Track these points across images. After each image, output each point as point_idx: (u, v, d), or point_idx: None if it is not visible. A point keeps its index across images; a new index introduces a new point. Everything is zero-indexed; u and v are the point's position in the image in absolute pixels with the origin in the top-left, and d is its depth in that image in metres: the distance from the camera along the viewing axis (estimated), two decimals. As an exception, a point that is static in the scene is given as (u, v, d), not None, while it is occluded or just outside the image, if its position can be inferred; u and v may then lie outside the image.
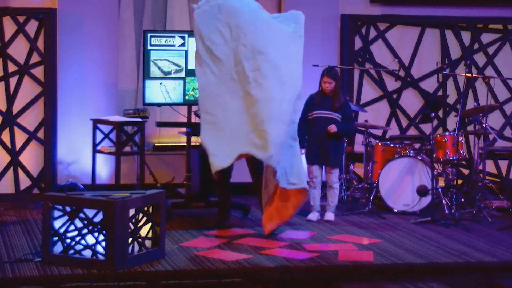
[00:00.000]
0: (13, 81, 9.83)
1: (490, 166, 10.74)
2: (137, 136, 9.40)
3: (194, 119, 9.63)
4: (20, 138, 9.87)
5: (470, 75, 9.72)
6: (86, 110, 9.84)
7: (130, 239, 6.89)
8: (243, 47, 7.96)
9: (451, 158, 9.26)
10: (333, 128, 8.71)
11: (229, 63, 8.00)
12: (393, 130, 10.74)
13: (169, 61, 9.40)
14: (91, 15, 9.91)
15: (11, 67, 9.81)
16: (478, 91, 10.85)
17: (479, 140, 9.67)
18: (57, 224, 6.92)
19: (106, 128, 9.56)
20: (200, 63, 8.06)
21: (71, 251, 6.90)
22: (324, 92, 8.80)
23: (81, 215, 6.86)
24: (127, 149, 9.51)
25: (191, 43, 9.44)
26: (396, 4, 10.73)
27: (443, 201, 9.29)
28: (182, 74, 9.44)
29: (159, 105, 9.55)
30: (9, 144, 9.84)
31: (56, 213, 6.92)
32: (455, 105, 10.83)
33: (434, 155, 9.30)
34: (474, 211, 9.25)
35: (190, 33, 9.62)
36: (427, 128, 10.33)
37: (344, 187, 9.95)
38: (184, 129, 9.59)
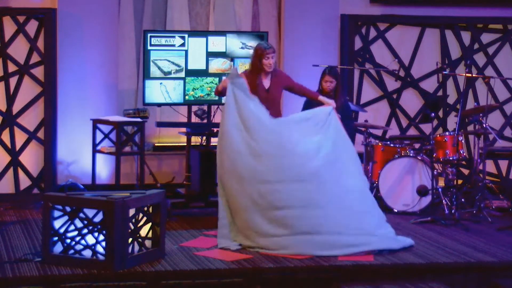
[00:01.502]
0: (13, 81, 9.82)
1: (490, 166, 10.74)
2: (137, 136, 9.40)
3: (194, 119, 9.65)
4: (20, 138, 9.86)
5: (470, 75, 9.72)
6: (86, 110, 9.84)
7: (130, 239, 6.89)
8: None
9: (451, 158, 9.26)
10: None
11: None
12: (393, 130, 10.74)
13: (169, 61, 9.41)
14: (91, 15, 9.91)
15: (11, 67, 9.81)
16: (478, 91, 10.85)
17: (479, 140, 9.68)
18: (57, 224, 6.92)
19: (106, 128, 9.56)
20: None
21: (71, 251, 6.90)
22: (324, 92, 8.78)
23: (81, 215, 6.86)
24: (127, 149, 9.51)
25: (191, 43, 9.46)
26: (396, 4, 10.73)
27: (443, 201, 9.29)
28: (182, 74, 9.45)
29: (159, 105, 9.55)
30: (9, 144, 9.83)
31: (56, 213, 6.92)
32: (455, 105, 10.83)
33: (434, 155, 9.30)
34: (474, 211, 9.25)
35: (190, 33, 9.63)
36: (427, 128, 10.33)
37: (344, 187, 9.94)
38: (184, 129, 9.60)
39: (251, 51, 9.56)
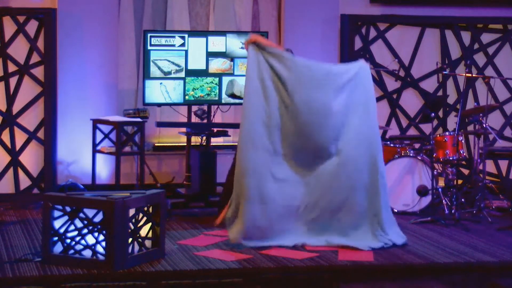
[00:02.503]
0: (13, 81, 9.82)
1: (490, 166, 10.74)
2: (137, 136, 9.40)
3: (194, 119, 9.65)
4: (20, 138, 9.86)
5: (470, 75, 9.72)
6: (86, 110, 9.84)
7: (130, 239, 6.89)
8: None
9: (451, 158, 9.26)
10: None
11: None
12: (393, 130, 10.74)
13: (169, 61, 9.41)
14: (91, 15, 9.91)
15: (11, 67, 9.81)
16: (478, 91, 10.85)
17: (479, 140, 9.67)
18: (57, 224, 6.92)
19: (106, 128, 9.56)
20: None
21: (71, 251, 6.90)
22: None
23: (81, 215, 6.86)
24: (127, 149, 9.51)
25: (191, 43, 9.46)
26: (396, 4, 10.73)
27: (443, 201, 9.29)
28: (182, 74, 9.45)
29: (159, 105, 9.56)
30: (9, 144, 9.83)
31: (56, 213, 6.92)
32: (455, 105, 10.83)
33: (434, 155, 9.30)
34: (474, 211, 9.25)
35: (190, 33, 9.63)
36: (427, 128, 10.33)
37: (344, 187, 9.92)
38: (184, 129, 9.60)
39: (251, 51, 9.57)
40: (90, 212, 6.85)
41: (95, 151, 9.52)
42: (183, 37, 9.45)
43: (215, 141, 10.03)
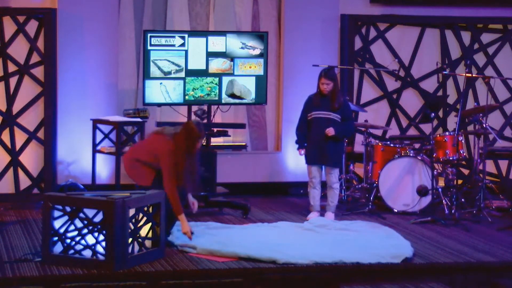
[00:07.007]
0: (13, 81, 9.82)
1: (490, 166, 10.74)
2: (137, 136, 9.40)
3: (194, 119, 9.64)
4: (20, 138, 9.86)
5: (470, 75, 9.72)
6: (86, 110, 9.84)
7: (130, 239, 6.89)
8: None
9: (451, 158, 9.26)
10: (330, 131, 8.71)
11: None
12: (393, 130, 10.74)
13: (169, 61, 9.40)
14: (91, 15, 9.91)
15: (11, 67, 9.81)
16: (478, 91, 10.85)
17: (479, 140, 9.67)
18: (57, 224, 6.92)
19: (106, 128, 9.56)
20: None
21: (71, 251, 6.90)
22: (322, 93, 8.80)
23: (81, 215, 6.86)
24: (127, 149, 9.50)
25: (191, 43, 9.46)
26: (396, 4, 10.73)
27: (443, 201, 9.29)
28: (182, 74, 9.45)
29: (159, 105, 9.56)
30: (9, 144, 9.83)
31: (56, 213, 6.92)
32: (455, 105, 10.83)
33: (434, 155, 9.30)
34: (474, 211, 9.25)
35: (190, 33, 9.63)
36: (427, 128, 10.33)
37: (344, 187, 9.94)
38: (184, 129, 9.59)
39: (251, 51, 9.59)
40: (90, 212, 6.85)
41: (95, 151, 9.52)
42: (183, 37, 9.45)
43: (215, 141, 10.02)
